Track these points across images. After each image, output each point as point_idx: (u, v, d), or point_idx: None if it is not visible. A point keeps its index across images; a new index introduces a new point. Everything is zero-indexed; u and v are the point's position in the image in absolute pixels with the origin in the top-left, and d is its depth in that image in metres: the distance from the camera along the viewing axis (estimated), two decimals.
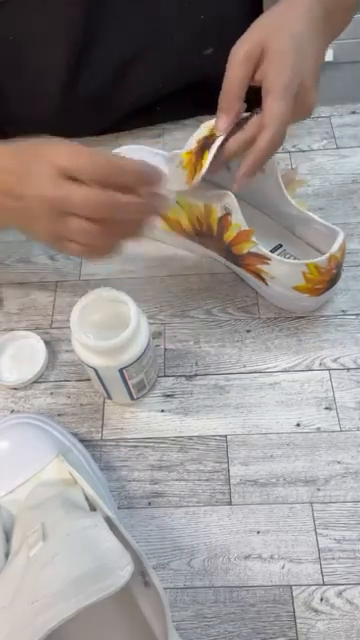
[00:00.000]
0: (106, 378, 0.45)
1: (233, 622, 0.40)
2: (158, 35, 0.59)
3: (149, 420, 0.49)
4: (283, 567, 0.42)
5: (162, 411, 0.49)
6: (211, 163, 0.45)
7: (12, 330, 0.54)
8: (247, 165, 0.43)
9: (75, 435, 0.47)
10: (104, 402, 0.50)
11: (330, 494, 0.44)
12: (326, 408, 0.48)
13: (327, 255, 0.47)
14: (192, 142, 0.48)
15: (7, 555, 0.36)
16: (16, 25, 0.57)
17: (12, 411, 0.50)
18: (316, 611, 0.40)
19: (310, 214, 0.50)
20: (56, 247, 0.41)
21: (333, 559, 0.42)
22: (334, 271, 0.49)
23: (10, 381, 0.51)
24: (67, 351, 0.53)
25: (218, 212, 0.49)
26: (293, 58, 0.41)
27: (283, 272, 0.49)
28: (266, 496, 0.45)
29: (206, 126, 0.47)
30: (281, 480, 0.45)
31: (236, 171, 0.44)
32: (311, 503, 0.44)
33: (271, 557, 0.42)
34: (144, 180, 0.39)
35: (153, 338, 0.51)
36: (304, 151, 0.65)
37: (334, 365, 0.50)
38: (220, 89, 0.43)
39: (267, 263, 0.49)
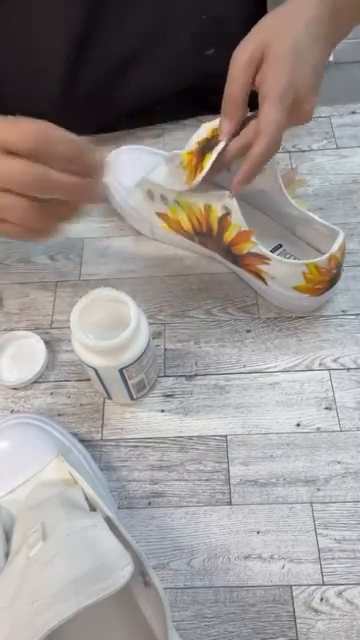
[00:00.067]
0: (106, 378, 0.45)
1: (233, 622, 0.40)
2: (158, 35, 0.59)
3: (149, 420, 0.49)
4: (283, 567, 0.42)
5: (162, 411, 0.49)
6: (212, 165, 0.45)
7: (12, 330, 0.54)
8: (243, 172, 0.43)
9: (75, 435, 0.47)
10: (104, 402, 0.50)
11: (330, 494, 0.44)
12: (326, 408, 0.48)
13: (327, 255, 0.47)
14: (193, 143, 0.48)
15: (7, 555, 0.36)
16: (15, 24, 0.57)
17: (12, 411, 0.50)
18: (316, 611, 0.40)
19: (310, 214, 0.50)
20: None
21: (333, 559, 0.42)
22: (334, 271, 0.49)
23: (10, 381, 0.51)
24: (67, 351, 0.53)
25: (218, 212, 0.49)
26: (291, 63, 0.41)
27: (283, 272, 0.49)
28: (266, 496, 0.45)
29: (206, 127, 0.47)
30: (281, 480, 0.45)
31: (236, 172, 0.44)
32: (311, 503, 0.44)
33: (271, 557, 0.42)
34: (77, 151, 0.37)
35: (153, 338, 0.51)
36: (304, 151, 0.65)
37: (334, 365, 0.50)
38: (221, 90, 0.43)
39: (267, 263, 0.49)
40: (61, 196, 0.37)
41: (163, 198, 0.54)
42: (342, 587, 0.41)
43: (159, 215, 0.56)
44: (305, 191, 0.61)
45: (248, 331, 0.53)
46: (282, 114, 0.41)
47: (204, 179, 0.46)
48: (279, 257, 0.49)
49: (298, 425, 0.48)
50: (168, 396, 0.50)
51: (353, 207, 0.60)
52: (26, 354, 0.52)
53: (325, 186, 0.61)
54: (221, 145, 0.44)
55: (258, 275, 0.51)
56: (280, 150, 0.64)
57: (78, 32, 0.57)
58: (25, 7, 0.55)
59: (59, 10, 0.55)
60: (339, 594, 0.41)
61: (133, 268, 0.58)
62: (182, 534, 0.44)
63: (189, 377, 0.51)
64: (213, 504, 0.45)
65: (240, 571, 0.42)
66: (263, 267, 0.50)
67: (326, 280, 0.49)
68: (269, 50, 0.41)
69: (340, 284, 0.52)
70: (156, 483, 0.46)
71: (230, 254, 0.52)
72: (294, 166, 0.63)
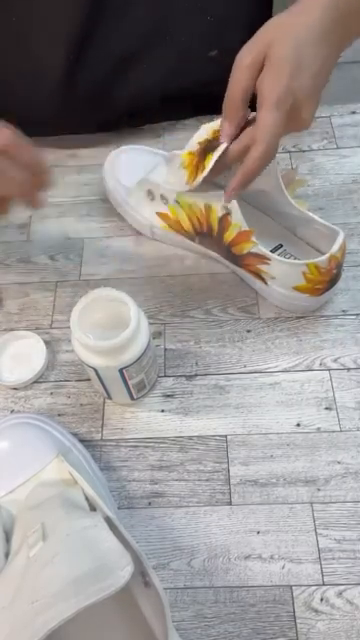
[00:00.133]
0: (106, 378, 0.44)
1: (233, 622, 0.40)
2: (158, 35, 0.59)
3: (149, 420, 0.49)
4: (283, 567, 0.42)
5: (162, 411, 0.49)
6: (213, 166, 0.45)
7: (12, 330, 0.54)
8: (238, 179, 0.43)
9: (75, 435, 0.47)
10: (104, 402, 0.50)
11: (330, 494, 0.44)
12: (326, 408, 0.48)
13: (327, 255, 0.47)
14: (194, 143, 0.48)
15: (7, 555, 0.36)
16: (15, 24, 0.57)
17: (12, 411, 0.50)
18: (316, 611, 0.40)
19: (310, 214, 0.50)
20: None
21: (333, 559, 0.42)
22: (334, 271, 0.49)
23: (10, 381, 0.51)
24: (67, 351, 0.53)
25: (218, 212, 0.49)
26: (291, 68, 0.40)
27: (283, 272, 0.49)
28: (266, 496, 0.45)
29: (207, 128, 0.47)
30: (281, 480, 0.45)
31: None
32: (311, 503, 0.44)
33: (271, 557, 0.42)
34: (35, 159, 0.43)
35: (153, 338, 0.51)
36: (304, 151, 0.65)
37: (334, 365, 0.50)
38: (223, 93, 0.43)
39: (267, 263, 0.49)
40: (12, 190, 0.43)
41: (163, 198, 0.54)
42: (342, 587, 0.41)
43: (159, 215, 0.56)
44: (305, 191, 0.61)
45: (248, 331, 0.53)
46: (279, 120, 0.40)
47: (205, 179, 0.46)
48: (279, 257, 0.49)
49: (298, 425, 0.47)
50: (168, 396, 0.50)
51: (353, 207, 0.60)
52: (26, 354, 0.52)
53: (325, 186, 0.61)
54: (223, 146, 0.44)
55: (258, 275, 0.51)
56: (280, 150, 0.65)
57: (78, 32, 0.57)
58: (25, 7, 0.55)
59: (59, 10, 0.55)
60: (339, 594, 0.41)
61: (133, 268, 0.58)
62: (182, 534, 0.44)
63: (189, 377, 0.51)
64: (213, 504, 0.45)
65: (240, 571, 0.42)
66: (263, 267, 0.50)
67: (326, 280, 0.49)
68: (271, 52, 0.40)
69: (340, 284, 0.52)
70: (156, 483, 0.46)
71: (230, 254, 0.52)
72: (294, 166, 0.63)
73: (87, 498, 0.39)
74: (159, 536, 0.44)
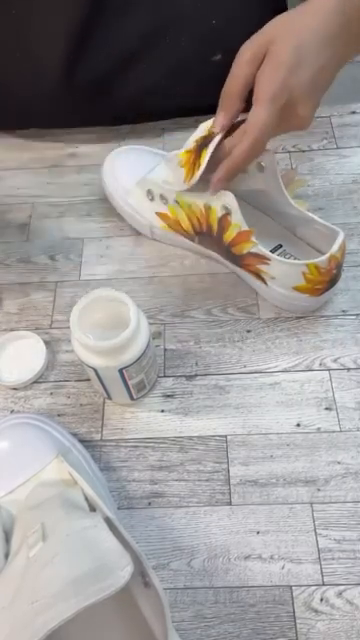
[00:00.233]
0: (106, 378, 0.44)
1: (233, 622, 0.40)
2: (158, 35, 0.59)
3: (149, 420, 0.49)
4: (283, 567, 0.42)
5: (162, 411, 0.49)
6: (209, 162, 0.44)
7: (12, 330, 0.54)
8: (222, 171, 0.43)
9: (75, 435, 0.47)
10: (104, 402, 0.50)
11: (330, 494, 0.44)
12: (326, 408, 0.48)
13: (327, 255, 0.47)
14: (191, 142, 0.48)
15: (7, 555, 0.36)
16: (15, 24, 0.57)
17: (12, 411, 0.50)
18: (316, 611, 0.40)
19: (310, 214, 0.50)
20: None
21: (333, 559, 0.42)
22: (334, 271, 0.49)
23: (10, 381, 0.51)
24: (67, 351, 0.53)
25: (218, 212, 0.49)
26: (290, 64, 0.40)
27: (283, 272, 0.49)
28: (266, 496, 0.45)
29: (204, 126, 0.47)
30: (281, 480, 0.45)
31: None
32: (311, 503, 0.44)
33: (271, 557, 0.42)
34: None
35: (153, 338, 0.51)
36: (304, 151, 0.65)
37: (334, 365, 0.50)
38: None
39: (267, 263, 0.49)
40: None
41: (162, 198, 0.54)
42: (342, 587, 0.41)
43: (159, 215, 0.56)
44: (305, 191, 0.61)
45: (248, 331, 0.53)
46: (271, 116, 0.40)
47: (204, 178, 0.46)
48: (279, 257, 0.49)
49: (298, 425, 0.47)
50: (168, 396, 0.50)
51: (353, 207, 0.60)
52: (26, 354, 0.52)
53: (325, 186, 0.61)
54: (216, 139, 0.44)
55: (258, 275, 0.51)
56: (280, 150, 0.65)
57: (78, 32, 0.57)
58: (25, 7, 0.55)
59: (59, 10, 0.55)
60: (339, 594, 0.41)
61: (133, 268, 0.58)
62: (182, 534, 0.44)
63: (189, 377, 0.51)
64: (213, 504, 0.45)
65: (240, 571, 0.42)
66: (263, 267, 0.50)
67: (326, 280, 0.49)
68: (272, 49, 0.40)
69: (340, 284, 0.52)
70: (156, 483, 0.46)
71: (230, 254, 0.52)
72: (294, 166, 0.63)
73: (87, 498, 0.39)
74: (159, 536, 0.44)
